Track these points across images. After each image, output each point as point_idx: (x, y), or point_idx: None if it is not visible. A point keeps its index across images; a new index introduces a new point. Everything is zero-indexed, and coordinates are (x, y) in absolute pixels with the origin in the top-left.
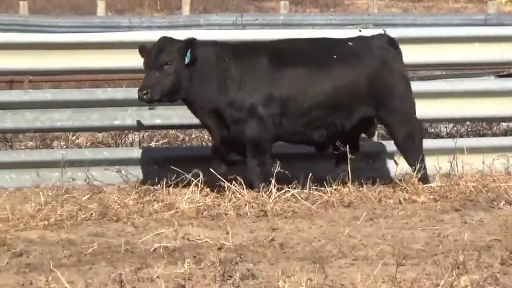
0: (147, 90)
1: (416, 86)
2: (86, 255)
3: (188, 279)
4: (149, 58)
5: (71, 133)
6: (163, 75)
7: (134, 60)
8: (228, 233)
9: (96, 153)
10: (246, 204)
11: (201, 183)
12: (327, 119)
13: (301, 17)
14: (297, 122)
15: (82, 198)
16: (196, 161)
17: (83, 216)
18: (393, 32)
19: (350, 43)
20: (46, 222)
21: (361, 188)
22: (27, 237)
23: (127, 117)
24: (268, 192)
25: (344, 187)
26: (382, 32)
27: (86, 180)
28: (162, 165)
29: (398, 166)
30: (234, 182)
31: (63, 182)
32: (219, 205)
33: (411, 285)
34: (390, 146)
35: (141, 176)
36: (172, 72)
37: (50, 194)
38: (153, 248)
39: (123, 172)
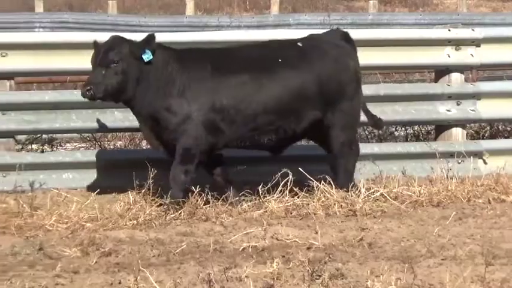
0: (90, 87)
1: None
2: (175, 254)
3: (277, 279)
4: (97, 55)
5: None
6: (109, 74)
7: None
8: (317, 233)
9: None
10: (335, 204)
11: (290, 183)
12: (274, 124)
13: (389, 16)
14: (243, 128)
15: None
16: (289, 160)
17: (172, 215)
18: (483, 32)
19: (299, 43)
20: (135, 222)
21: (450, 188)
22: (116, 236)
23: None
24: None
25: (433, 186)
26: (335, 28)
27: None
28: (249, 164)
29: (487, 165)
30: (323, 182)
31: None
32: (308, 205)
33: (501, 286)
34: (478, 145)
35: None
36: (119, 71)
37: (138, 193)
38: (241, 248)
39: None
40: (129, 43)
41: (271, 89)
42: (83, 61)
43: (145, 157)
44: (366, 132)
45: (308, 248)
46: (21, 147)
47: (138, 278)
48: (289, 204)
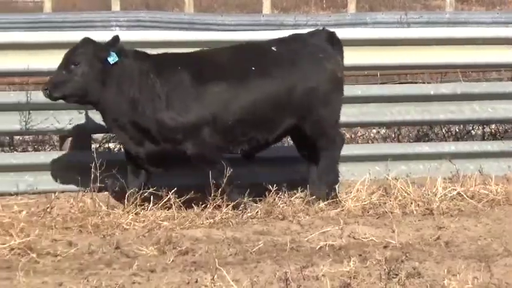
0: (47, 87)
1: None
2: (252, 253)
3: (353, 278)
4: (64, 56)
5: None
6: (69, 75)
7: None
8: (393, 232)
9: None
10: (411, 203)
11: (367, 182)
12: (248, 135)
13: (467, 15)
14: (223, 138)
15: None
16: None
17: (249, 214)
18: None
19: (273, 48)
20: (212, 221)
21: None
22: (193, 235)
23: None
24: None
25: (510, 185)
26: (320, 28)
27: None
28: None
29: None
30: (400, 180)
31: None
32: (385, 203)
33: None
34: None
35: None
36: (79, 73)
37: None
38: (318, 246)
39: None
40: (93, 45)
41: (243, 100)
42: None
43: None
44: (443, 131)
45: (385, 247)
46: (98, 145)
47: (215, 276)
48: (366, 203)
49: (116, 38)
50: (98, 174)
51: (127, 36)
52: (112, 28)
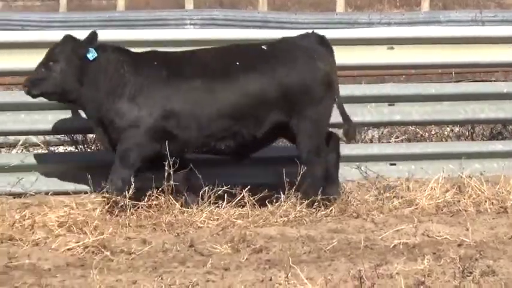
0: (27, 84)
1: None
2: (326, 251)
3: (428, 276)
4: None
5: None
6: (47, 72)
7: (373, 56)
8: (467, 230)
9: None
10: (485, 201)
11: (441, 180)
12: (231, 129)
13: None
14: (197, 134)
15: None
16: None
17: (323, 212)
18: None
19: (263, 47)
20: (285, 219)
21: None
22: (266, 233)
23: (366, 113)
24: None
25: None
26: (310, 31)
27: None
28: (399, 161)
29: None
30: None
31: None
32: (459, 201)
33: None
34: None
35: (380, 173)
36: (56, 70)
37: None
38: (392, 245)
39: (362, 168)
40: (72, 42)
41: (226, 94)
42: None
43: (293, 155)
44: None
45: (459, 245)
46: None
47: (289, 274)
48: (440, 201)
49: (93, 34)
50: (172, 172)
51: (200, 34)
52: (186, 26)
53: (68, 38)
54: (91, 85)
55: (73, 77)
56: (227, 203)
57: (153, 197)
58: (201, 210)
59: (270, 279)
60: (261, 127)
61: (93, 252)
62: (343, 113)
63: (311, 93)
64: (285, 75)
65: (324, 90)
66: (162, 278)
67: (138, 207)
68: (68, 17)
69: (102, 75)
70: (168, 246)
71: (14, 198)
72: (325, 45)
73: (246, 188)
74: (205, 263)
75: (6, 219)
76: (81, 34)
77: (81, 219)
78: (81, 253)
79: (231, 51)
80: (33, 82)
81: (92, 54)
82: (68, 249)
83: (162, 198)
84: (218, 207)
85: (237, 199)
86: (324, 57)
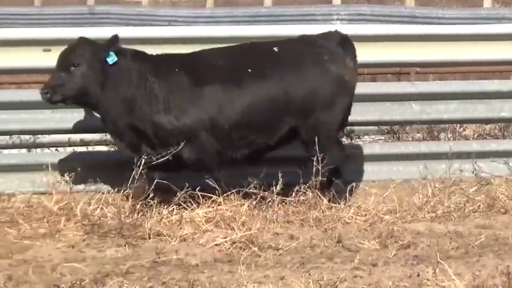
0: (47, 90)
1: None
2: (474, 247)
3: None
4: (60, 57)
5: (458, 125)
6: (68, 77)
7: None
8: None
9: (483, 145)
10: None
11: None
12: (247, 139)
13: None
14: (221, 141)
15: (469, 190)
16: None
17: (471, 208)
18: None
19: (275, 48)
20: (433, 215)
21: None
22: (414, 229)
23: None
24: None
25: None
26: (333, 30)
27: (473, 172)
28: None
29: None
30: None
31: (450, 174)
32: None
33: None
34: None
35: None
36: (78, 75)
37: (437, 186)
38: None
39: (510, 164)
40: (92, 45)
41: (238, 103)
42: (379, 53)
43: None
44: None
45: None
46: None
47: (437, 270)
48: None
49: (114, 38)
50: (320, 168)
51: (348, 30)
52: (333, 22)
53: (86, 41)
54: (111, 89)
55: (94, 81)
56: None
57: (300, 193)
58: (349, 206)
59: (418, 275)
60: (273, 134)
61: (240, 247)
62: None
63: (321, 97)
64: (292, 79)
65: (336, 93)
66: (309, 274)
67: (286, 203)
68: (214, 13)
69: (122, 80)
70: (315, 241)
71: None
72: (346, 46)
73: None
74: (353, 258)
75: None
76: (228, 30)
77: (229, 215)
78: (228, 249)
79: (242, 54)
80: (53, 88)
81: (111, 58)
82: (216, 245)
83: (310, 193)
84: (366, 202)
85: (385, 194)
86: (338, 59)
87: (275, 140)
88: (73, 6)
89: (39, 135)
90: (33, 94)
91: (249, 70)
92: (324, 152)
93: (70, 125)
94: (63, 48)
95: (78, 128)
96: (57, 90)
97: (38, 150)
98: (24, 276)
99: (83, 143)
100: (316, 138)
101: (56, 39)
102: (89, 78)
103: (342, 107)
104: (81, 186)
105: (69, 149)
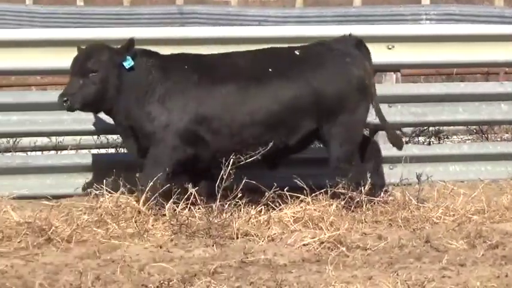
0: (67, 98)
1: None
2: None
3: None
4: (75, 63)
5: None
6: (87, 84)
7: None
8: None
9: None
10: None
11: None
12: (263, 138)
13: None
14: (228, 140)
15: None
16: None
17: None
18: None
19: (296, 52)
20: None
21: None
22: (503, 229)
23: None
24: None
25: None
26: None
27: None
28: None
29: None
30: None
31: None
32: None
33: None
34: None
35: None
36: (97, 81)
37: None
38: None
39: None
40: (109, 50)
41: (260, 100)
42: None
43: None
44: None
45: None
46: (407, 139)
47: None
48: None
49: (131, 42)
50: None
51: (437, 29)
52: (422, 22)
53: (102, 47)
54: (125, 93)
55: (112, 86)
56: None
57: (389, 193)
58: (437, 206)
59: (506, 276)
60: (293, 135)
61: (328, 247)
62: (381, 119)
63: (344, 99)
64: (316, 81)
65: (358, 96)
66: (397, 274)
67: (374, 203)
68: (304, 13)
69: (135, 82)
70: (403, 241)
71: None
72: (362, 49)
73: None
74: (441, 258)
75: None
76: (318, 30)
77: (317, 215)
78: (316, 249)
79: (265, 55)
80: (73, 96)
81: (128, 63)
82: (304, 245)
83: (398, 193)
84: (454, 203)
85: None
86: (358, 62)
87: (295, 141)
88: (162, 6)
89: None
90: None
91: (270, 70)
92: (345, 155)
93: None
94: (150, 48)
95: None
96: (76, 98)
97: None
98: (112, 276)
99: None
100: (340, 141)
101: (144, 39)
102: (107, 83)
103: (365, 110)
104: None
105: None
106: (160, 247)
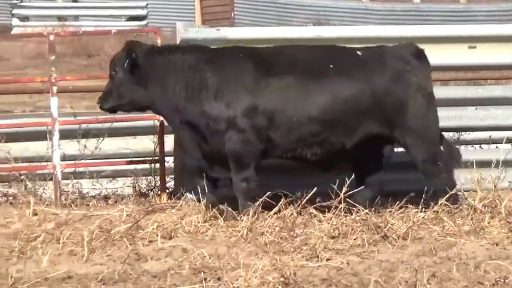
0: (99, 100)
1: None
2: None
3: None
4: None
5: None
6: (111, 84)
7: None
8: None
9: None
10: None
11: None
12: (320, 136)
13: None
14: (287, 137)
15: None
16: None
17: None
18: None
19: (358, 52)
20: None
21: None
22: None
23: None
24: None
25: None
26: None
27: None
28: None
29: None
30: None
31: None
32: None
33: None
34: None
35: None
36: (116, 80)
37: None
38: None
39: None
40: (126, 48)
41: (320, 96)
42: None
43: None
44: None
45: None
46: None
47: None
48: None
49: (130, 43)
50: None
51: None
52: None
53: (128, 45)
54: (160, 89)
55: (131, 83)
56: None
57: None
58: None
59: None
60: (351, 136)
61: None
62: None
63: (405, 104)
64: (376, 84)
65: (424, 103)
66: None
67: None
68: None
69: (173, 78)
70: None
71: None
72: (421, 58)
73: None
74: None
75: None
76: None
77: None
78: None
79: (326, 52)
80: (102, 97)
81: (126, 64)
82: None
83: None
84: None
85: None
86: (417, 70)
87: (353, 143)
88: (500, 3)
89: (463, 132)
90: (457, 91)
91: (331, 66)
92: (428, 157)
93: (493, 122)
94: (488, 45)
95: (500, 126)
96: (105, 99)
97: (462, 147)
98: (448, 274)
99: (508, 140)
100: (419, 144)
101: (481, 36)
102: (124, 81)
103: (434, 115)
104: (505, 184)
105: (492, 147)
106: (497, 244)
